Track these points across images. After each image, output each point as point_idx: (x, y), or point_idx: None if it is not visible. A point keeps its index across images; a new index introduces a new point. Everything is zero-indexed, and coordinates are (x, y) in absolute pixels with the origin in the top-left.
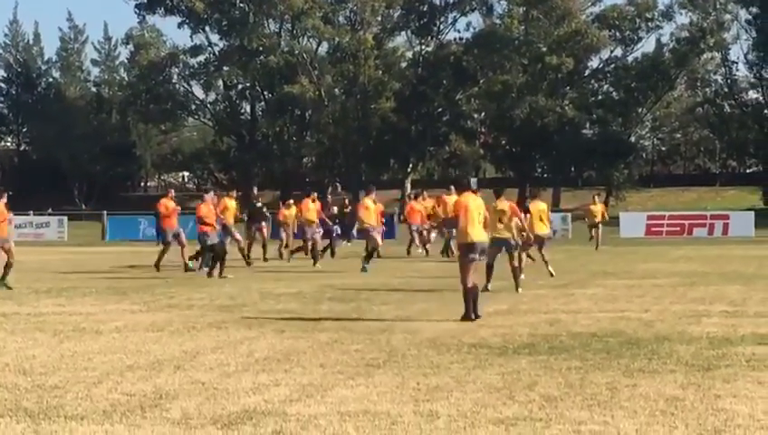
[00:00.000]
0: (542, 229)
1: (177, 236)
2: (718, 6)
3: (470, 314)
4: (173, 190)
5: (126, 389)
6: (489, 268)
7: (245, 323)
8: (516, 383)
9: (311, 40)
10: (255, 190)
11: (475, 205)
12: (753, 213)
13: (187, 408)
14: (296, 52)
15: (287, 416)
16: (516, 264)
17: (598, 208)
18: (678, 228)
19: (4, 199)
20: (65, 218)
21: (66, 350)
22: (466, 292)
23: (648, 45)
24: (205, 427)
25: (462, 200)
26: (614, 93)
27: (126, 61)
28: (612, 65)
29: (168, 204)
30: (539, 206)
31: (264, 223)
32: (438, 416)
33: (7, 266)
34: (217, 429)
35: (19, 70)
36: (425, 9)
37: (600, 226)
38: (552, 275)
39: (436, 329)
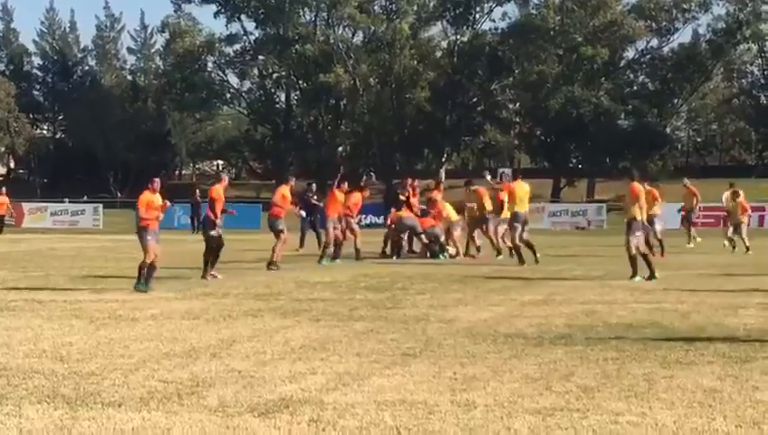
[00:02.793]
0: None
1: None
2: None
3: None
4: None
5: (163, 376)
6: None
7: (281, 311)
8: (553, 374)
9: (346, 29)
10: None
11: None
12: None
13: (223, 396)
14: (332, 41)
15: (324, 404)
16: None
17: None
18: (713, 220)
19: None
20: (100, 206)
21: (102, 337)
22: None
23: (684, 36)
24: (242, 415)
25: None
26: (650, 84)
27: (161, 49)
28: (648, 56)
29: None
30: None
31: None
32: (475, 406)
33: None
34: (254, 416)
35: (55, 58)
36: None
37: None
38: None
39: (471, 319)
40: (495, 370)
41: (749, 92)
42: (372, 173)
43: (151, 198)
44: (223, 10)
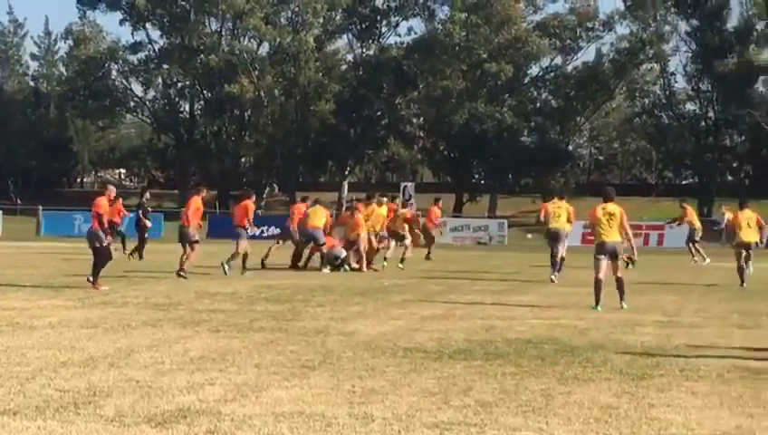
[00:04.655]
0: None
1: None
2: (659, 18)
3: None
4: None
5: (59, 385)
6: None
7: (181, 321)
8: (451, 388)
9: (252, 40)
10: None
11: None
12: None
13: (120, 405)
14: (237, 51)
15: (221, 415)
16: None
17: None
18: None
19: None
20: (0, 213)
21: None
22: None
23: (588, 55)
24: (138, 425)
25: None
26: (553, 101)
27: (65, 56)
28: (552, 73)
29: None
30: (746, 214)
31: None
32: (373, 419)
33: None
34: (151, 427)
35: None
36: (367, 12)
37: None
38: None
39: (371, 332)
40: (394, 383)
41: (651, 112)
42: (275, 185)
43: None
44: (128, 18)
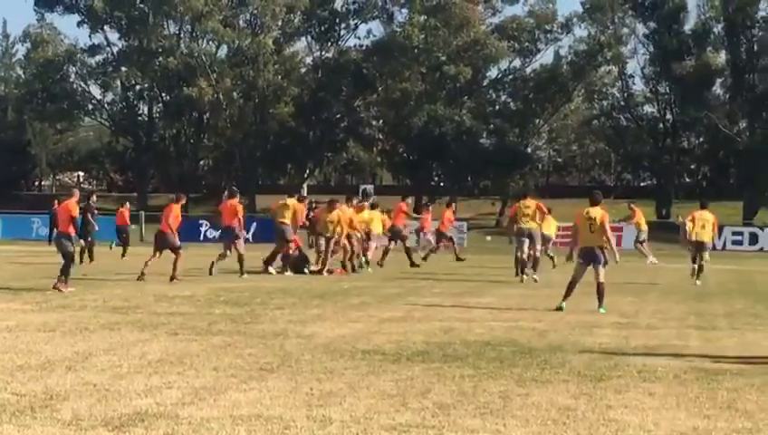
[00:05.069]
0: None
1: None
2: (617, 20)
3: None
4: None
5: (16, 389)
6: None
7: (139, 325)
8: (410, 390)
9: (210, 42)
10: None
11: None
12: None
13: (77, 409)
14: (195, 54)
15: (179, 419)
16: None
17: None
18: (572, 239)
19: None
20: None
21: None
22: None
23: (546, 57)
24: (95, 428)
25: None
26: (512, 104)
27: (23, 58)
28: (511, 76)
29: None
30: (704, 215)
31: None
32: (331, 421)
33: None
34: (108, 431)
35: None
36: (326, 15)
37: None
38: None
39: (329, 334)
40: (352, 386)
41: (609, 114)
42: (234, 187)
43: None
44: (86, 20)
